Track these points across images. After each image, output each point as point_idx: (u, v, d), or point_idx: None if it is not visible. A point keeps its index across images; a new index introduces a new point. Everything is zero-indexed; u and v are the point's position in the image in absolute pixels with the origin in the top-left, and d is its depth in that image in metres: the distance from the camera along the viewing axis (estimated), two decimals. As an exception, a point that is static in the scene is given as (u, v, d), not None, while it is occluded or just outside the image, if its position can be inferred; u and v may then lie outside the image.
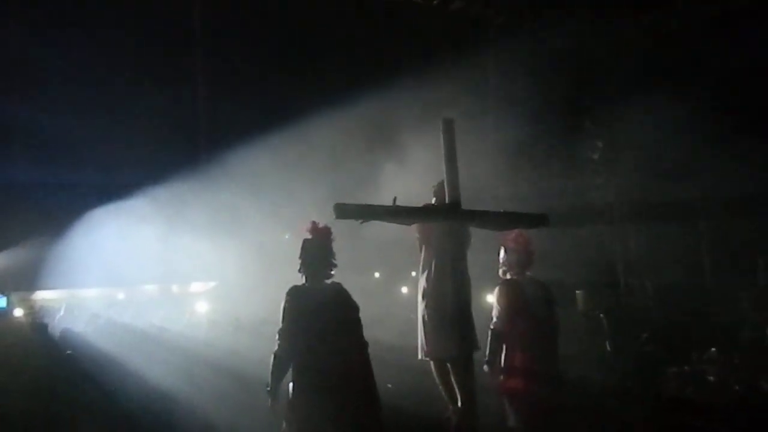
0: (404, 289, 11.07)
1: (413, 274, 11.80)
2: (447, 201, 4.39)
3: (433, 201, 5.14)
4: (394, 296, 10.37)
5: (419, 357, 4.99)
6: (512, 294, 5.17)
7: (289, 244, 11.38)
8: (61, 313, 9.20)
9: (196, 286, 14.39)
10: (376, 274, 12.21)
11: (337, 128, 9.10)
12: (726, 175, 7.33)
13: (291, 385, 4.10)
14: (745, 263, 7.51)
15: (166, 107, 9.52)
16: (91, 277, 11.36)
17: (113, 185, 11.13)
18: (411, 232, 5.22)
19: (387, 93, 8.51)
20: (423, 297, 4.96)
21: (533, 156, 7.95)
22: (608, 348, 7.00)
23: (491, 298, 5.94)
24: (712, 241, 8.19)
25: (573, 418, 5.00)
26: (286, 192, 10.24)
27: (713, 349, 6.31)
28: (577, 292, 7.60)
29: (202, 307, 9.60)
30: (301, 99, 9.78)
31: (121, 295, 12.08)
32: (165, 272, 11.57)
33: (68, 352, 5.87)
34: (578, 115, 8.63)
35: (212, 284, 13.42)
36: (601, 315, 7.33)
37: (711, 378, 6.12)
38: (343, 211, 4.01)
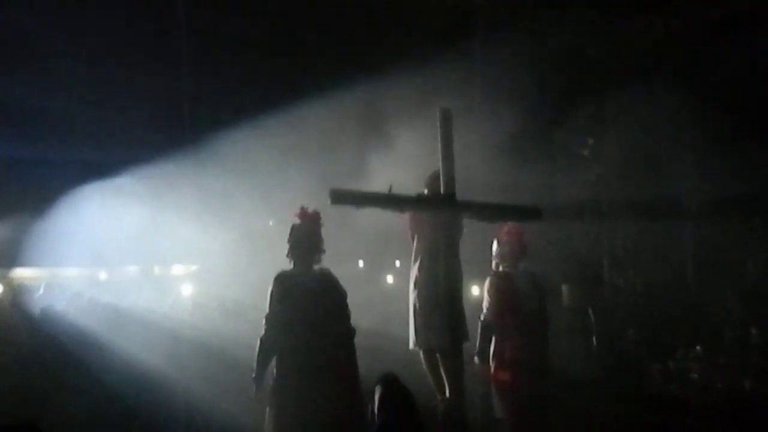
0: (389, 279, 11.06)
1: (397, 263, 11.88)
2: (442, 191, 4.34)
3: (425, 192, 5.10)
4: (378, 285, 10.35)
5: (410, 347, 4.97)
6: (503, 286, 5.18)
7: (274, 230, 11.38)
8: (41, 291, 9.05)
9: (177, 269, 14.29)
10: (360, 263, 12.19)
11: (328, 115, 9.02)
12: (714, 174, 7.39)
13: (275, 370, 4.06)
14: (732, 263, 7.59)
15: (154, 85, 9.32)
16: (72, 256, 11.21)
17: (97, 163, 10.96)
18: (402, 221, 5.18)
19: (380, 80, 8.44)
20: (414, 287, 4.93)
21: (523, 149, 7.93)
22: (594, 343, 7.06)
23: (476, 290, 5.96)
24: (698, 239, 8.26)
25: (559, 411, 5.04)
26: (273, 178, 10.15)
27: (698, 347, 6.38)
28: (563, 286, 7.64)
29: (187, 290, 9.49)
30: (293, 84, 9.65)
31: (103, 275, 11.95)
32: (147, 253, 11.47)
33: (53, 330, 5.76)
34: (570, 110, 8.64)
35: (194, 267, 13.32)
36: (589, 310, 7.38)
37: (695, 376, 6.20)
38: (339, 197, 3.96)
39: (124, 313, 6.92)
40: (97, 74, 9.04)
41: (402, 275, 11.13)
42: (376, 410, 3.10)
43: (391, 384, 3.15)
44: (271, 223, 11.67)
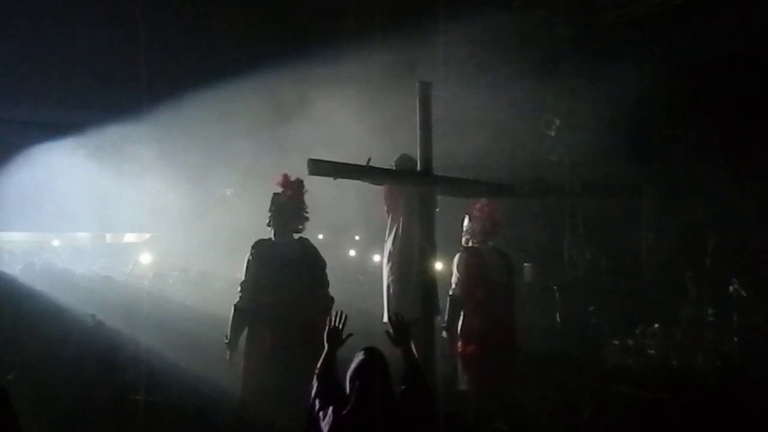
0: (352, 252, 11.06)
1: (357, 237, 11.85)
2: (419, 165, 4.33)
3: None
4: (340, 259, 10.32)
5: (384, 319, 4.96)
6: (473, 261, 5.23)
7: (232, 199, 11.20)
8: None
9: (130, 237, 13.93)
10: (320, 236, 12.15)
11: (292, 84, 8.83)
12: (676, 157, 7.60)
13: (247, 336, 4.02)
14: (691, 244, 7.87)
15: (113, 44, 8.93)
16: (19, 221, 10.77)
17: (47, 124, 10.48)
18: (378, 194, 5.13)
19: (349, 50, 8.31)
20: (389, 260, 4.90)
21: (493, 126, 7.97)
22: (558, 319, 7.24)
23: (439, 265, 6.00)
24: (658, 220, 8.52)
25: (523, 383, 5.16)
26: (232, 146, 9.93)
27: (656, 324, 6.62)
28: (525, 264, 7.77)
29: (146, 259, 9.26)
30: (255, 49, 9.38)
31: (56, 242, 11.56)
32: (99, 220, 11.11)
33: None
34: (539, 91, 8.71)
35: (148, 236, 13.01)
36: (555, 287, 7.55)
37: (651, 351, 6.44)
38: (317, 167, 3.90)
39: (82, 280, 6.68)
40: (52, 32, 8.61)
41: (363, 249, 11.22)
42: (349, 377, 3.04)
43: (375, 356, 3.08)
44: (228, 193, 11.48)
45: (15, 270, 6.72)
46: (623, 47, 8.35)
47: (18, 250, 10.17)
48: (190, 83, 9.02)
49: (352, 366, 3.08)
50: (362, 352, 3.12)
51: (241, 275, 4.09)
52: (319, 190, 4.53)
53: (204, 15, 9.44)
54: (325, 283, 4.25)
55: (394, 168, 4.99)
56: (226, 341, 4.02)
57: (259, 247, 4.09)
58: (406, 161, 4.58)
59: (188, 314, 6.19)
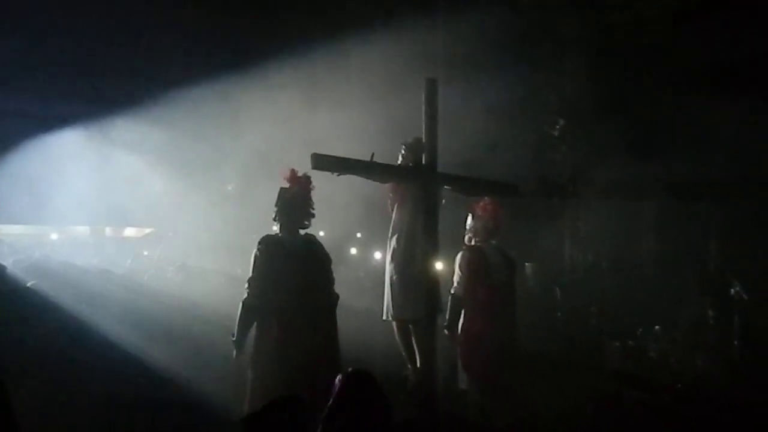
0: (353, 251, 11.03)
1: (358, 235, 11.82)
2: (424, 162, 4.31)
3: (400, 159, 5.04)
4: (341, 256, 10.29)
5: (384, 317, 4.95)
6: (475, 260, 5.21)
7: (234, 195, 11.16)
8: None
9: (130, 231, 13.91)
10: (321, 233, 12.12)
11: (296, 79, 8.80)
12: (677, 159, 7.57)
13: (256, 333, 4.00)
14: (692, 245, 7.86)
15: (113, 36, 8.88)
16: (17, 213, 10.72)
17: (46, 117, 10.42)
18: (383, 191, 5.12)
19: (354, 46, 8.28)
20: (392, 258, 4.89)
21: (496, 125, 7.96)
22: (559, 320, 7.21)
23: (440, 265, 5.98)
24: (659, 223, 8.50)
25: (523, 383, 5.14)
26: (233, 141, 9.91)
27: (657, 327, 6.61)
28: (526, 264, 7.74)
29: (146, 252, 9.22)
30: (256, 44, 9.33)
31: (54, 236, 11.52)
32: (99, 214, 11.08)
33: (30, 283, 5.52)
34: (543, 90, 8.69)
35: (148, 230, 12.99)
36: (556, 287, 7.54)
37: (652, 354, 6.43)
38: (320, 161, 3.88)
39: (81, 272, 6.64)
40: (44, 21, 8.54)
41: (365, 246, 11.19)
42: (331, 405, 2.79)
43: (363, 378, 2.85)
44: (229, 188, 11.45)
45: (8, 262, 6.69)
46: (629, 48, 8.34)
47: (17, 244, 10.12)
48: (191, 78, 8.98)
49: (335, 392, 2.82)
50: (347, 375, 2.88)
51: (249, 271, 4.06)
52: (321, 186, 4.52)
53: (207, 8, 9.39)
54: (331, 280, 4.25)
55: (404, 151, 4.99)
56: (233, 338, 3.99)
57: (266, 242, 4.07)
58: (418, 143, 4.48)
59: (189, 309, 6.15)
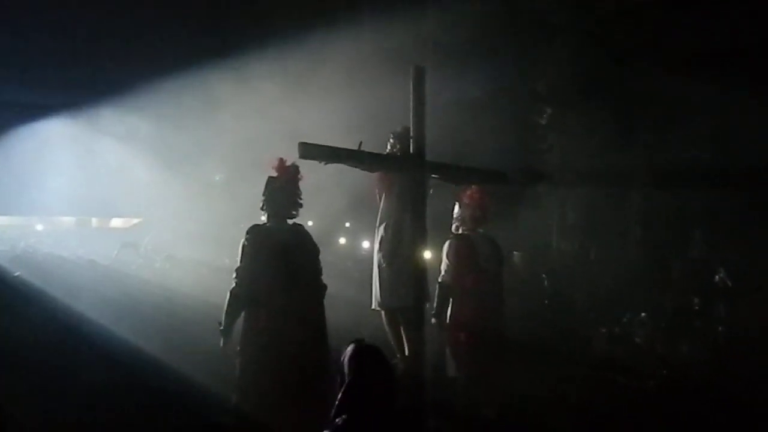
0: (342, 240, 11.03)
1: (347, 225, 11.81)
2: (412, 150, 4.29)
3: (389, 148, 5.03)
4: (330, 246, 10.28)
5: (372, 307, 4.95)
6: (463, 249, 5.21)
7: (220, 185, 11.10)
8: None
9: (117, 222, 13.82)
10: (309, 223, 12.08)
11: (284, 68, 8.75)
12: (665, 146, 7.63)
13: (244, 323, 3.99)
14: (676, 235, 7.93)
15: (101, 26, 8.79)
16: (1, 203, 10.63)
17: (31, 106, 10.30)
18: (371, 180, 5.11)
19: (341, 35, 8.24)
20: (380, 247, 4.89)
21: (483, 113, 7.96)
22: (546, 307, 7.25)
23: (429, 252, 5.98)
24: (645, 211, 8.56)
25: (511, 370, 5.17)
26: (220, 131, 9.84)
27: (643, 314, 6.67)
28: (514, 252, 7.78)
29: (133, 242, 9.17)
30: (245, 32, 9.26)
31: (39, 226, 11.43)
32: (85, 204, 11.00)
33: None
34: (531, 79, 8.70)
35: (135, 221, 12.90)
36: (543, 275, 7.58)
37: (638, 340, 6.50)
38: (307, 150, 3.85)
39: (68, 263, 6.60)
40: (37, 13, 8.43)
41: (353, 236, 11.19)
42: (346, 365, 2.92)
43: (365, 346, 2.99)
44: (217, 178, 11.40)
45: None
46: (618, 37, 8.36)
47: (2, 235, 10.03)
48: (177, 68, 8.90)
49: (346, 357, 2.93)
50: (352, 344, 3.00)
51: (237, 261, 4.05)
52: (310, 176, 4.50)
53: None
54: (319, 269, 4.24)
55: (392, 140, 4.98)
56: (220, 327, 3.99)
57: (254, 232, 4.06)
58: (407, 132, 4.48)
59: (176, 299, 6.14)
